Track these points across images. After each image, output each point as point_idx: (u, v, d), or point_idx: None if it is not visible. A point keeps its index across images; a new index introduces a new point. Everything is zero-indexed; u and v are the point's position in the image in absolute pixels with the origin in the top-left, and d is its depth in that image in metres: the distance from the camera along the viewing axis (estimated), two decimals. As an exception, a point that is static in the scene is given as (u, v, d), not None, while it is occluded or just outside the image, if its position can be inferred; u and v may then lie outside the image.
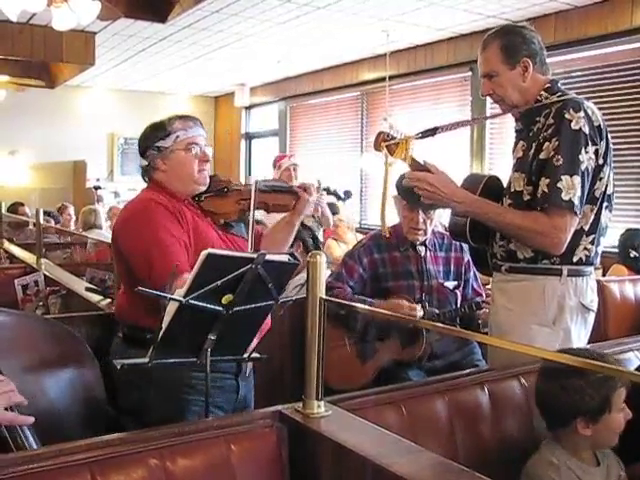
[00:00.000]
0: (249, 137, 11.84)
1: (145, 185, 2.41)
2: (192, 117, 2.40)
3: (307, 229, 4.24)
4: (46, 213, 6.45)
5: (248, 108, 11.57)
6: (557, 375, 1.80)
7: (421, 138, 2.30)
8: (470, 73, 7.40)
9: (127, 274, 2.26)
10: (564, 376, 1.78)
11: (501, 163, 7.01)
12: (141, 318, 2.16)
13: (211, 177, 2.40)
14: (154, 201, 2.25)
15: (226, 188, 2.42)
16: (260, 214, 2.83)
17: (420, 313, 2.98)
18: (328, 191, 2.71)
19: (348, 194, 5.50)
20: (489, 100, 2.54)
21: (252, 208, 2.27)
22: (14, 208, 7.62)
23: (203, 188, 2.36)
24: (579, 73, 6.39)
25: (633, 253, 4.52)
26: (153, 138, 2.33)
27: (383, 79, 7.94)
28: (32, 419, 1.54)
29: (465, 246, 3.18)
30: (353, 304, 2.16)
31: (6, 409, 1.51)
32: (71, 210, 7.25)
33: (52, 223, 7.00)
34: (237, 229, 2.44)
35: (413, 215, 3.10)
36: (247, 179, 2.75)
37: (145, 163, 2.36)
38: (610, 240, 4.36)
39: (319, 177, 3.29)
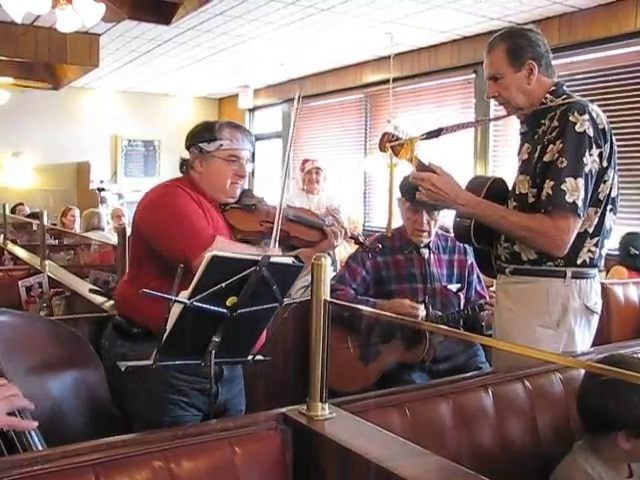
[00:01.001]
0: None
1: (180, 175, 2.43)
2: (244, 129, 2.41)
3: None
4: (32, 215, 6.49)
5: (252, 110, 11.58)
6: (608, 381, 1.72)
7: (426, 139, 2.30)
8: (474, 75, 7.40)
9: (145, 258, 2.26)
10: (615, 384, 1.70)
11: (505, 165, 7.01)
12: (137, 310, 2.19)
13: (244, 191, 2.41)
14: (181, 189, 2.27)
15: (254, 206, 2.40)
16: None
17: (423, 312, 2.97)
18: (355, 240, 2.63)
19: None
20: (493, 102, 2.54)
21: (275, 232, 2.24)
22: (13, 209, 7.64)
23: (231, 200, 2.37)
24: (583, 76, 6.38)
25: (633, 251, 4.54)
26: (199, 137, 2.34)
27: (387, 81, 7.94)
28: (35, 424, 1.54)
29: (469, 248, 3.18)
30: (357, 306, 2.16)
31: (10, 414, 1.50)
32: (76, 212, 7.25)
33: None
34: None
35: (417, 217, 3.10)
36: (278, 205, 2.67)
37: (186, 158, 2.38)
38: (611, 242, 4.38)
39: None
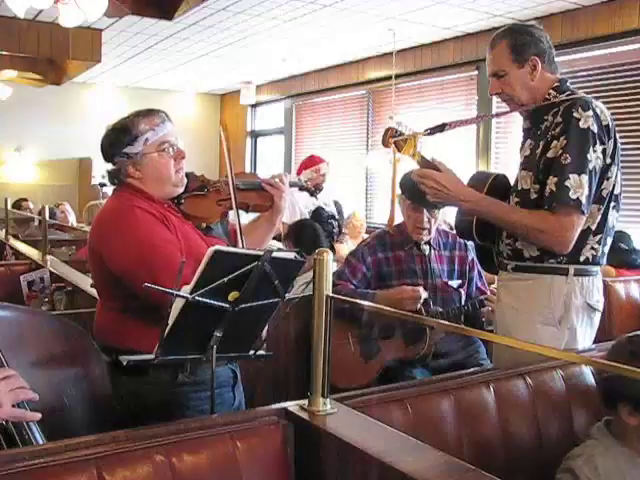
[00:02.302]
0: (255, 135, 11.85)
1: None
2: (157, 111, 2.18)
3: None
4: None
5: (254, 106, 11.57)
6: (620, 355, 1.78)
7: (429, 134, 2.30)
8: (476, 72, 7.39)
9: (115, 289, 2.08)
10: (626, 357, 1.74)
11: (507, 162, 7.00)
12: (130, 339, 2.02)
13: (186, 175, 2.24)
14: (138, 208, 2.06)
15: (205, 187, 2.29)
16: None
17: (425, 294, 2.97)
18: (300, 187, 2.62)
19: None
20: (495, 99, 2.54)
21: (235, 207, 2.18)
22: (18, 204, 7.64)
23: (181, 189, 2.20)
24: (585, 73, 6.37)
25: (624, 246, 4.54)
26: (119, 144, 2.12)
27: (389, 78, 7.93)
28: (39, 415, 1.54)
29: (470, 244, 3.18)
30: (359, 302, 2.16)
31: (15, 405, 1.51)
32: (67, 207, 7.27)
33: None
34: (215, 230, 2.32)
35: (417, 215, 3.10)
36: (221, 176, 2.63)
37: (113, 168, 2.17)
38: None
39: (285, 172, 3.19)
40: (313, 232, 3.81)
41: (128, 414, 2.00)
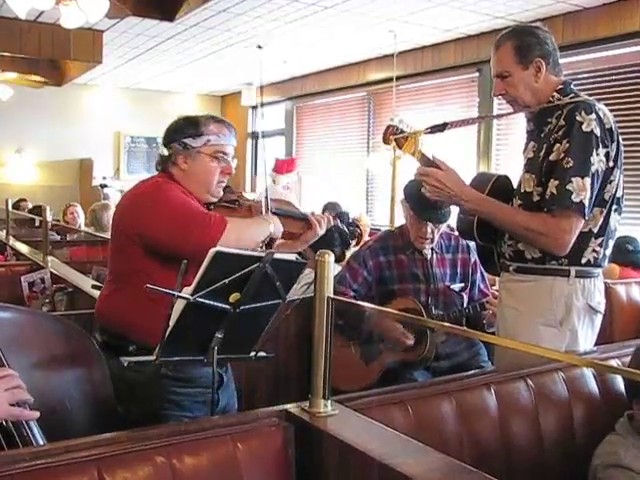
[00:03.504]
0: (255, 136, 11.85)
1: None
2: (229, 124, 2.27)
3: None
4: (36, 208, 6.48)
5: (254, 107, 11.57)
6: None
7: (430, 133, 2.29)
8: (477, 74, 7.39)
9: (137, 263, 2.12)
10: None
11: (508, 164, 7.00)
12: (131, 324, 2.08)
13: (224, 187, 2.32)
14: (167, 183, 2.16)
15: (237, 202, 2.35)
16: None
17: (411, 342, 2.98)
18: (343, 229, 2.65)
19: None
20: (496, 101, 2.54)
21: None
22: (16, 204, 7.65)
23: (215, 200, 2.27)
24: (587, 75, 6.37)
25: (630, 247, 4.56)
26: (182, 132, 2.20)
27: (390, 79, 7.93)
28: (38, 414, 1.54)
29: (472, 246, 3.17)
30: (360, 303, 2.15)
31: (13, 405, 1.51)
32: (77, 209, 7.23)
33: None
34: None
35: (421, 225, 3.07)
36: (259, 195, 2.70)
37: (166, 153, 2.23)
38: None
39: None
40: (330, 238, 3.76)
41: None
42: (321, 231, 2.38)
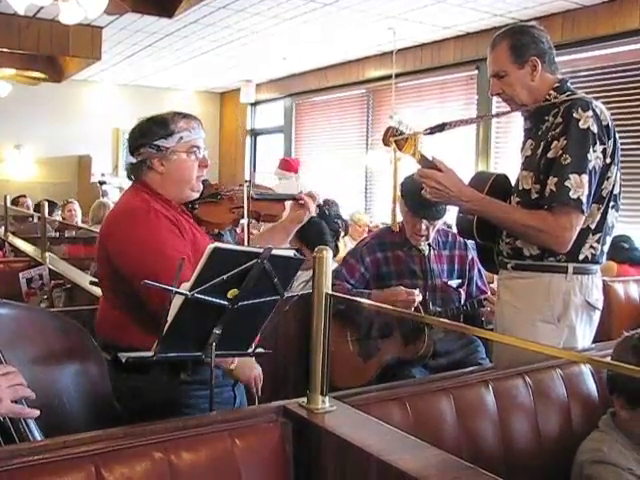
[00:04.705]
0: (254, 133, 11.85)
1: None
2: (194, 117, 2.22)
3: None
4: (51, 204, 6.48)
5: (254, 104, 11.56)
6: (624, 349, 1.83)
7: (430, 134, 2.30)
8: (476, 71, 7.39)
9: (119, 287, 2.08)
10: (629, 352, 1.79)
11: (507, 162, 7.01)
12: (133, 337, 2.02)
13: (202, 181, 2.28)
14: (153, 210, 2.06)
15: (219, 195, 2.35)
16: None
17: (419, 297, 2.96)
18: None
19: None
20: (495, 99, 2.54)
21: (246, 216, 2.27)
22: (15, 200, 7.64)
23: (196, 195, 2.23)
24: (586, 73, 6.37)
25: (626, 245, 4.58)
26: (152, 135, 2.12)
27: (389, 77, 7.93)
28: (38, 412, 1.54)
29: (470, 243, 3.17)
30: (358, 299, 2.15)
31: (14, 402, 1.51)
32: (75, 206, 7.21)
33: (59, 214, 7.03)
34: (225, 237, 2.40)
35: (416, 222, 3.07)
36: (237, 184, 2.71)
37: (135, 160, 2.14)
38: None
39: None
40: (320, 230, 3.78)
41: (127, 412, 1.99)
42: (312, 206, 2.45)
